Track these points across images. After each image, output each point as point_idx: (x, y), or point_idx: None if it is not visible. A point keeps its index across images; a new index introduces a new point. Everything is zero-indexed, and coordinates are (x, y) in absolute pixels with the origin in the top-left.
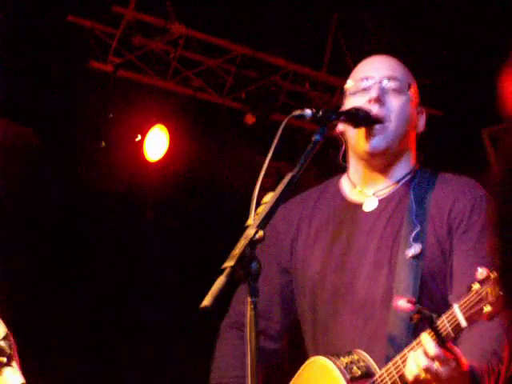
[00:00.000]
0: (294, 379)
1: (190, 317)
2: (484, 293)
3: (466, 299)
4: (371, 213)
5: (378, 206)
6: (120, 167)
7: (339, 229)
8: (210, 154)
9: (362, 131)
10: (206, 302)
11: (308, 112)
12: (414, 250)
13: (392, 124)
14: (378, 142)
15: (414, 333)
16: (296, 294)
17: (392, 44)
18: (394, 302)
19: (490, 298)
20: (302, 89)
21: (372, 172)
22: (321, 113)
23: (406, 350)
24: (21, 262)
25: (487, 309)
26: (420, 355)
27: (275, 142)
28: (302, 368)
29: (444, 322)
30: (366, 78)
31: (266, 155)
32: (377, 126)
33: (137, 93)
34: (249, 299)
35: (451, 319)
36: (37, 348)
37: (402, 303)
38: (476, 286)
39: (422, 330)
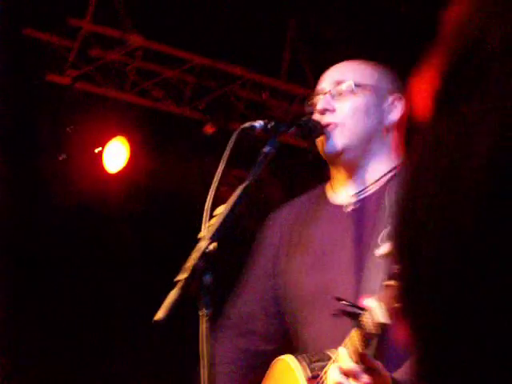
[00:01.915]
0: (264, 379)
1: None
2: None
3: (383, 294)
4: (349, 213)
5: (357, 207)
6: (79, 179)
7: (319, 229)
8: (170, 165)
9: (321, 138)
10: (160, 315)
11: (258, 124)
12: (383, 249)
13: (346, 125)
14: (333, 143)
15: None
16: (280, 297)
17: (351, 51)
18: (360, 301)
19: None
20: (260, 98)
21: (345, 174)
22: (271, 124)
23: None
24: None
25: None
26: (335, 370)
27: (227, 152)
28: (270, 367)
29: (367, 318)
30: (318, 93)
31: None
32: (330, 130)
33: (95, 105)
34: (201, 312)
35: (372, 314)
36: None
37: (367, 302)
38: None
39: None
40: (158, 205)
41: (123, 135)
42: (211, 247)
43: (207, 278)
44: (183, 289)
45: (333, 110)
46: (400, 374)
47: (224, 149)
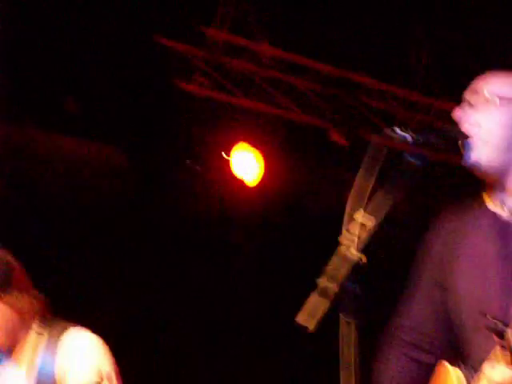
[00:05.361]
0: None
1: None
2: None
3: None
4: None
5: None
6: (209, 188)
7: (480, 238)
8: (299, 174)
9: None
10: (310, 325)
11: (407, 135)
12: None
13: (489, 140)
14: (473, 155)
15: None
16: (450, 310)
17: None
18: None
19: None
20: (391, 108)
21: (497, 185)
22: (421, 137)
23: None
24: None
25: None
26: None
27: (367, 160)
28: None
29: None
30: (463, 102)
31: (356, 173)
32: (471, 142)
33: (222, 112)
34: (348, 319)
35: None
36: None
37: None
38: None
39: None
40: (288, 213)
41: (250, 143)
42: (362, 260)
43: (356, 288)
44: (335, 300)
45: (474, 124)
46: None
47: (353, 157)
